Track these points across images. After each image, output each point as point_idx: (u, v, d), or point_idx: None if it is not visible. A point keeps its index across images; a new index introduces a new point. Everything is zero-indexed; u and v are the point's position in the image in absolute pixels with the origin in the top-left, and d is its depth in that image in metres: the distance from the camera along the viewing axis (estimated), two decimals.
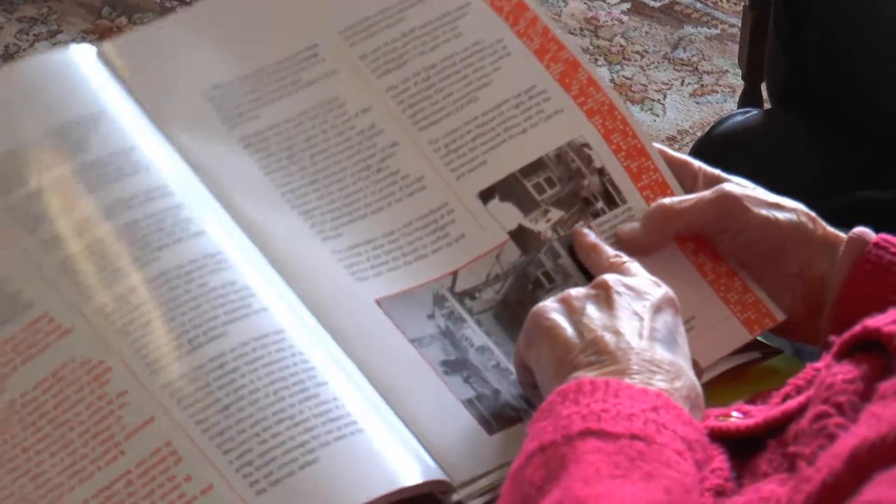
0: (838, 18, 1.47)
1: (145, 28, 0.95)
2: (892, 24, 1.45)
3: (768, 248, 0.95)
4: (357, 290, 0.89)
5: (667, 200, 0.96)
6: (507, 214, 0.95)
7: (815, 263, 0.95)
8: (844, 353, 0.78)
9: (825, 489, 0.66)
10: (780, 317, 0.96)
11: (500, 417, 0.88)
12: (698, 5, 2.71)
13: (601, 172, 0.98)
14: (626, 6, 2.70)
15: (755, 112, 1.59)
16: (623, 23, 2.66)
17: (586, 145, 0.98)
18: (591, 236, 0.94)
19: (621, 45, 2.60)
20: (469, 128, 0.96)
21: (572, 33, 2.61)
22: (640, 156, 0.98)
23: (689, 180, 0.99)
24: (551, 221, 0.95)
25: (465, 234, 0.93)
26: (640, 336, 0.82)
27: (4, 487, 0.78)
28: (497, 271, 0.93)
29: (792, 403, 0.81)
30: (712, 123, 1.61)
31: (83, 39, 2.61)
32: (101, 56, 0.92)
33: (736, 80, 2.48)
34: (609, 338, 0.81)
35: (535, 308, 0.85)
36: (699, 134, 2.27)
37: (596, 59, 2.55)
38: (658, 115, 2.45)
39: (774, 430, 0.80)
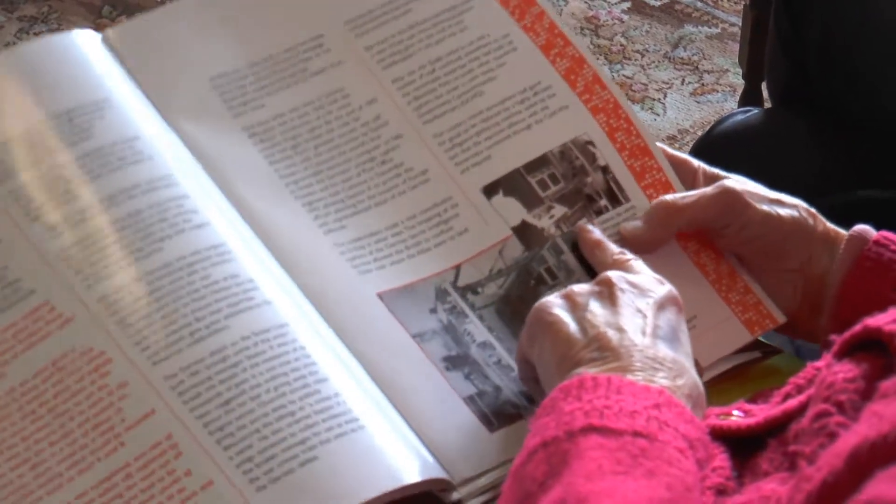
0: (839, 18, 1.47)
1: (150, 14, 0.94)
2: (892, 24, 1.45)
3: (769, 244, 0.95)
4: (359, 283, 0.89)
5: (669, 197, 0.96)
6: (511, 210, 0.95)
7: (815, 260, 0.95)
8: (845, 352, 0.78)
9: (826, 488, 0.66)
10: (781, 318, 0.96)
11: (501, 414, 0.88)
12: (699, 4, 2.71)
13: (605, 170, 0.97)
14: (626, 5, 2.70)
15: (755, 111, 1.59)
16: (623, 22, 2.66)
17: (590, 143, 0.98)
18: (596, 233, 0.94)
19: (622, 45, 2.60)
20: (474, 122, 0.96)
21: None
22: (643, 155, 0.98)
23: (688, 179, 0.99)
24: (555, 218, 0.95)
25: (469, 228, 0.93)
26: (643, 333, 0.82)
27: (3, 475, 0.78)
28: (500, 266, 0.93)
29: (793, 402, 0.81)
30: (713, 123, 1.61)
31: None
32: (106, 42, 0.92)
33: (736, 80, 2.48)
34: (612, 334, 0.81)
35: (538, 303, 0.85)
36: (699, 133, 2.27)
37: (596, 59, 2.55)
38: (658, 115, 2.45)
39: (775, 429, 0.80)
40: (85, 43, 0.91)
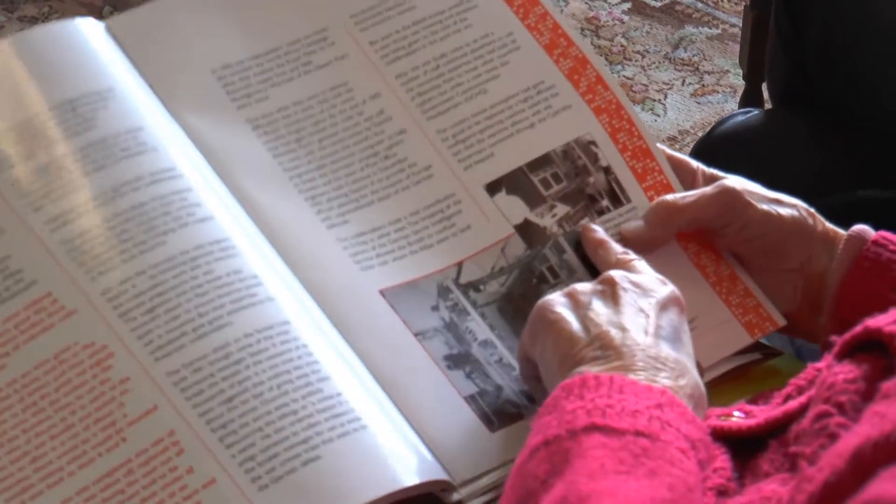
0: (839, 17, 1.47)
1: (155, 4, 0.94)
2: (892, 24, 1.45)
3: (769, 243, 0.96)
4: (362, 279, 0.89)
5: (669, 197, 0.96)
6: (514, 208, 0.95)
7: (815, 259, 0.95)
8: (846, 353, 0.78)
9: (828, 488, 0.66)
10: (781, 321, 0.97)
11: (501, 414, 0.88)
12: (699, 5, 2.71)
13: (607, 171, 0.97)
14: (626, 6, 2.69)
15: (756, 112, 1.59)
16: (624, 23, 2.66)
17: (593, 143, 0.98)
18: (600, 233, 0.94)
19: (622, 45, 2.60)
20: (477, 119, 0.96)
21: None
22: (645, 157, 0.98)
23: (687, 179, 0.99)
24: (557, 217, 0.95)
25: (471, 225, 0.93)
26: (646, 333, 0.82)
27: (4, 468, 0.78)
28: (502, 264, 0.93)
29: (793, 404, 0.81)
30: (713, 123, 1.61)
31: None
32: (109, 31, 0.91)
33: (737, 80, 2.48)
34: (615, 333, 0.81)
35: (540, 301, 0.85)
36: (700, 134, 2.27)
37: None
38: (659, 115, 2.45)
39: (776, 430, 0.80)
40: (88, 31, 0.90)
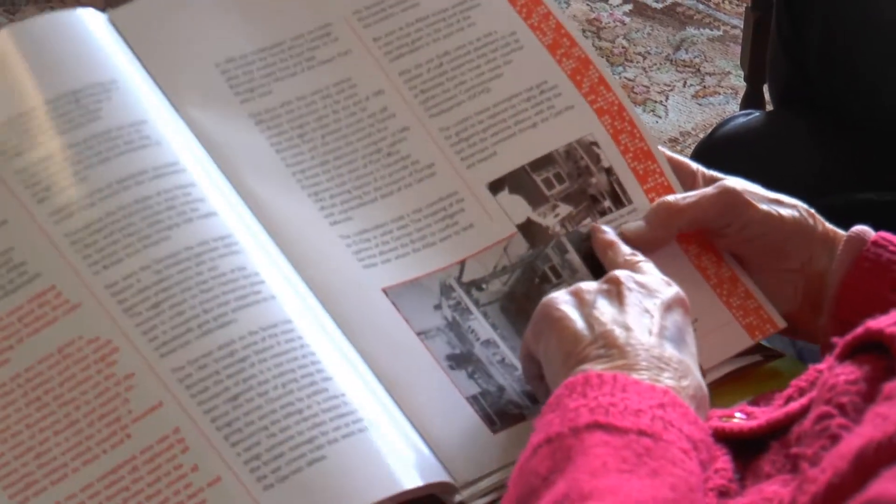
0: (839, 18, 1.47)
1: None
2: (892, 24, 1.45)
3: (770, 243, 0.96)
4: (364, 277, 0.89)
5: (670, 197, 0.96)
6: (516, 207, 0.95)
7: (815, 259, 0.96)
8: (847, 355, 0.78)
9: (831, 490, 0.66)
10: (781, 324, 0.97)
11: (503, 415, 0.88)
12: (700, 7, 2.71)
13: (609, 172, 0.98)
14: (628, 8, 2.70)
15: (757, 114, 1.59)
16: (625, 24, 2.66)
17: (595, 144, 0.98)
18: (610, 234, 0.94)
19: (623, 47, 2.60)
20: (480, 118, 0.96)
21: None
22: (646, 158, 0.98)
23: (687, 181, 0.99)
24: (559, 216, 0.95)
25: (474, 223, 0.93)
26: (650, 333, 0.82)
27: (8, 463, 0.77)
28: (504, 263, 0.93)
29: (794, 405, 0.81)
30: (714, 125, 1.61)
31: None
32: (112, 22, 0.90)
33: (738, 82, 2.48)
34: (619, 332, 0.81)
35: (545, 299, 0.85)
36: (701, 136, 2.27)
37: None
38: (660, 117, 2.45)
39: (777, 431, 0.80)
40: (91, 22, 0.89)
